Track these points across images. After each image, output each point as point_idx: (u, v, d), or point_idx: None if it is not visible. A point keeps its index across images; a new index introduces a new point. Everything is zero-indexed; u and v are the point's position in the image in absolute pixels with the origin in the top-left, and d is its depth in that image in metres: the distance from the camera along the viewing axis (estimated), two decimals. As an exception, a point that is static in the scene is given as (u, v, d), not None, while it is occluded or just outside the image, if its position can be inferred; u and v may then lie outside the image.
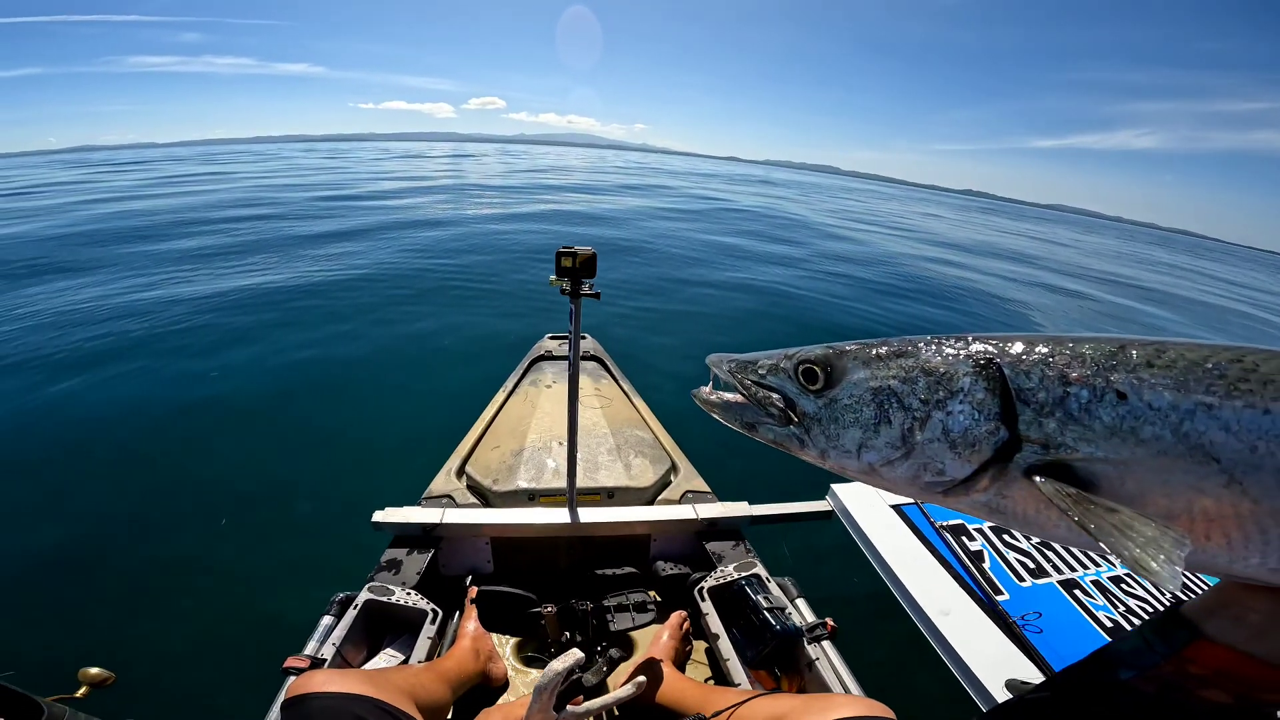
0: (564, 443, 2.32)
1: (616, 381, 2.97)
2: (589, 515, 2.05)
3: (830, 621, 1.74)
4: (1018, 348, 0.50)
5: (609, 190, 26.06)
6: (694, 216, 18.21)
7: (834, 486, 2.01)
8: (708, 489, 2.28)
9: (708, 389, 0.66)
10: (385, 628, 1.83)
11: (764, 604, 1.80)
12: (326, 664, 1.57)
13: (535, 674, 1.80)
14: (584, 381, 2.86)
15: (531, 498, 2.19)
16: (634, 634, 1.95)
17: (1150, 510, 0.42)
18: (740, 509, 2.13)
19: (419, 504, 2.15)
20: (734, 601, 1.87)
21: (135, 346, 5.34)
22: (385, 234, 11.36)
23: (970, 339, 0.53)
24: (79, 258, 8.94)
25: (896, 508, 1.93)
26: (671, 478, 2.33)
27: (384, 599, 1.79)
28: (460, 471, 2.35)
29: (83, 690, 1.04)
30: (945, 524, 1.84)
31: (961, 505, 0.52)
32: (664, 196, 25.40)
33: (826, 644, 1.69)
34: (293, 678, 1.51)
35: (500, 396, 2.82)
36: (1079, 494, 0.42)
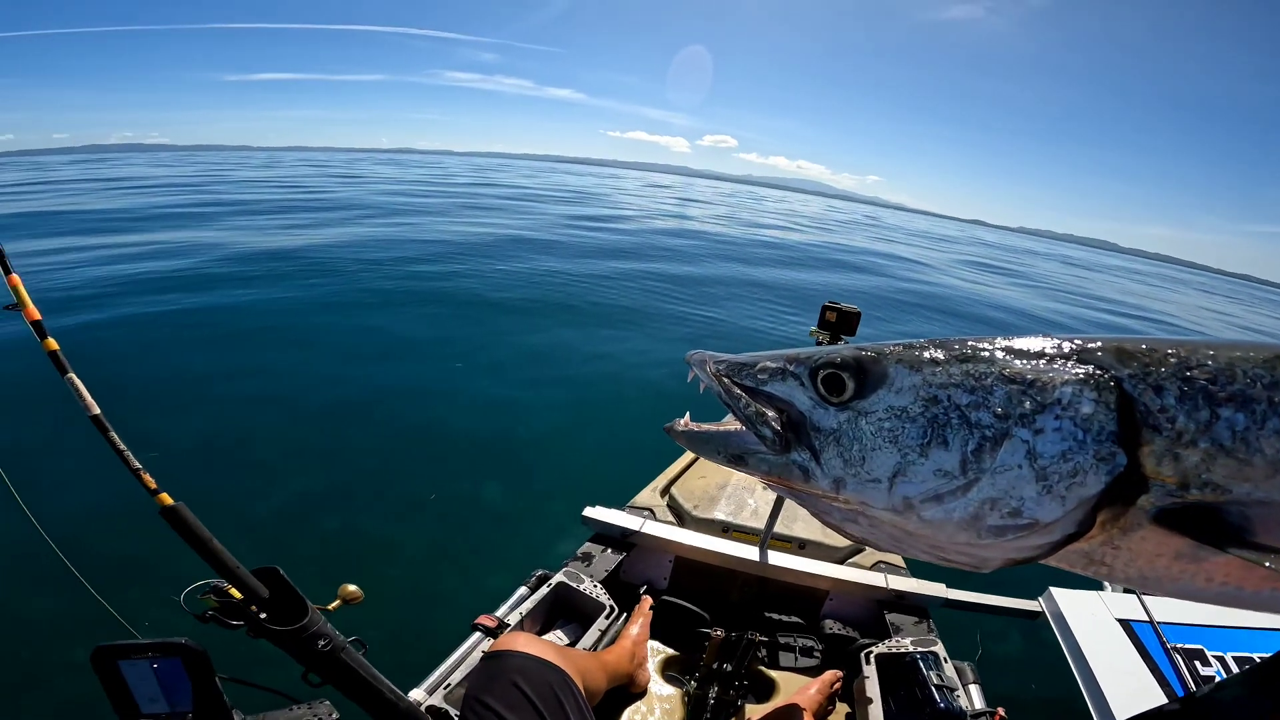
0: (768, 487, 2.35)
1: None
2: (777, 559, 2.07)
3: (1001, 711, 1.58)
4: (1143, 353, 0.35)
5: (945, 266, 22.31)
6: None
7: (1053, 590, 1.82)
8: (902, 564, 2.22)
9: (682, 421, 0.52)
10: (561, 610, 1.97)
11: (934, 680, 1.71)
12: (509, 629, 1.71)
13: (671, 692, 1.85)
14: None
15: (725, 530, 2.26)
16: (780, 681, 1.92)
17: None
18: (935, 589, 2.06)
19: (624, 510, 2.31)
20: (900, 673, 1.81)
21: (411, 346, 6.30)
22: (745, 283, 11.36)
23: (1068, 340, 0.38)
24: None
25: (1124, 622, 1.70)
26: (867, 546, 2.23)
27: (574, 585, 1.94)
28: (665, 490, 2.50)
29: (335, 603, 1.18)
30: (1181, 647, 1.58)
31: (1040, 554, 0.36)
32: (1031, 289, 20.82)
33: None
34: (479, 633, 1.69)
35: None
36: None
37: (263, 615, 1.01)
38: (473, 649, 1.66)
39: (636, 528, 2.15)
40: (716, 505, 2.36)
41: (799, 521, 2.29)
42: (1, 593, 2.68)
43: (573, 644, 1.83)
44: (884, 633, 1.99)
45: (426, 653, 1.66)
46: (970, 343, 0.42)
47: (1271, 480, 0.31)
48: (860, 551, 2.26)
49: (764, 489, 2.45)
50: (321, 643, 1.07)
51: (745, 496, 2.43)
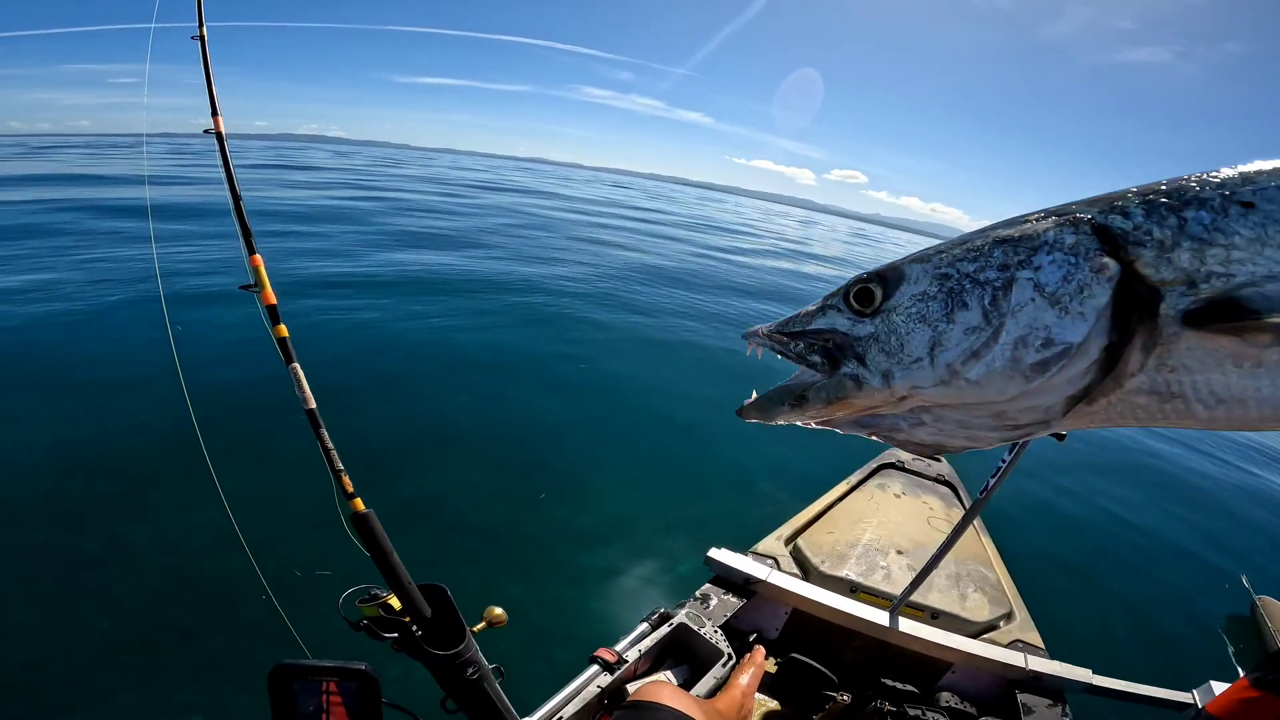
0: (902, 551, 2.37)
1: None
2: (907, 626, 1.99)
3: None
4: (1103, 197, 0.41)
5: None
6: None
7: (1214, 683, 1.80)
8: (1041, 645, 2.12)
9: (748, 401, 0.54)
10: (674, 651, 1.88)
11: None
12: (626, 666, 1.65)
13: None
14: (934, 504, 2.81)
15: (853, 590, 2.19)
16: None
17: None
18: (1079, 673, 1.95)
19: (747, 555, 2.23)
20: None
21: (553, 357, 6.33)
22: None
23: (1041, 210, 0.43)
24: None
25: None
26: (1002, 623, 2.20)
27: (695, 627, 1.86)
28: (790, 540, 2.42)
29: (480, 625, 1.11)
30: None
31: (1117, 406, 0.38)
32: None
33: None
34: (596, 666, 1.61)
35: (842, 488, 2.83)
36: None
37: (417, 632, 0.95)
38: (589, 682, 1.57)
39: (762, 576, 2.09)
40: (846, 564, 2.27)
41: (934, 591, 2.20)
42: (170, 565, 2.85)
43: (682, 686, 1.72)
44: (1012, 713, 1.90)
45: (533, 673, 1.58)
46: (970, 233, 0.46)
47: (1264, 254, 0.35)
48: (995, 628, 2.16)
49: (897, 553, 2.36)
50: (470, 670, 1.00)
51: (878, 559, 2.33)
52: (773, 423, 0.52)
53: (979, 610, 2.19)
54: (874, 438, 0.49)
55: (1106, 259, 0.37)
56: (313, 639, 1.33)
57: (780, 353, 0.51)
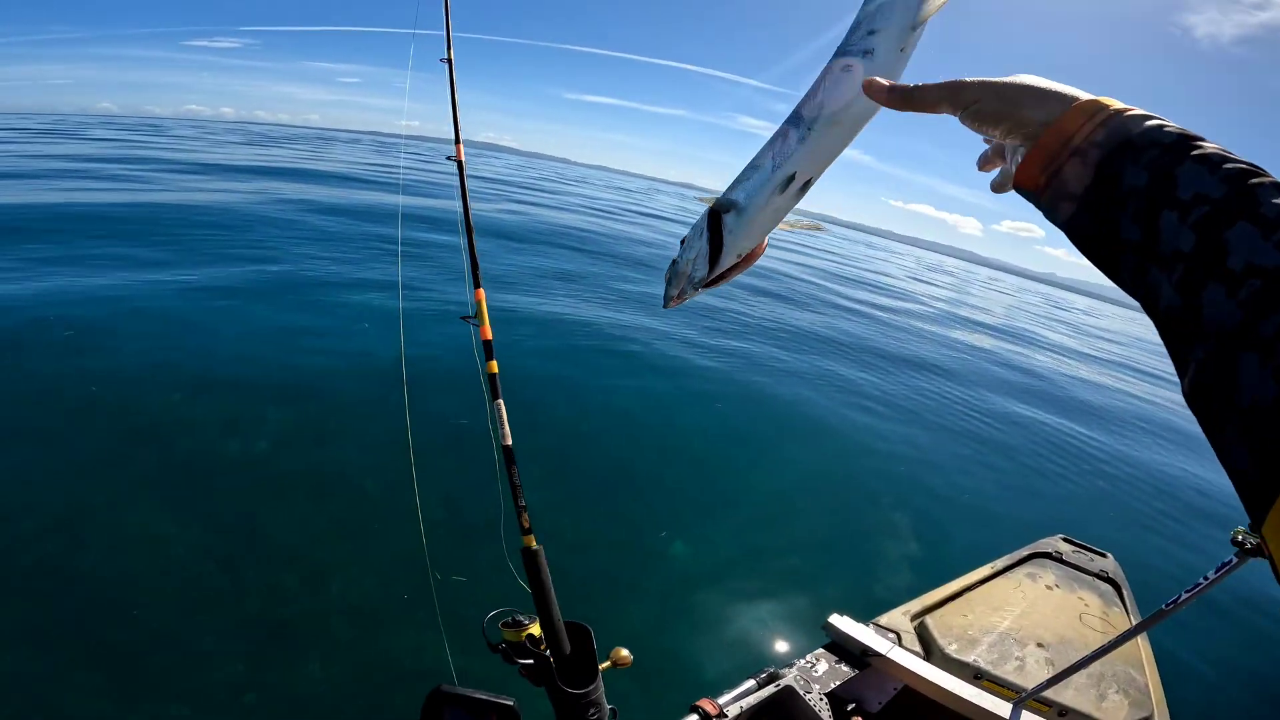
0: (1044, 645, 2.25)
1: (1128, 615, 2.64)
2: None
3: None
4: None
5: None
6: None
7: None
8: None
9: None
10: (772, 711, 1.83)
11: None
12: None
13: None
14: (1091, 601, 2.59)
15: (977, 676, 2.07)
16: None
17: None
18: None
19: (868, 626, 2.15)
20: None
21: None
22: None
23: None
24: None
25: None
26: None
27: (801, 692, 1.83)
28: (917, 617, 2.31)
29: (605, 665, 1.10)
30: None
31: (744, 227, 0.67)
32: None
33: None
34: (696, 716, 1.61)
35: (986, 570, 2.66)
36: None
37: (554, 665, 0.97)
38: None
39: (882, 650, 2.01)
40: (975, 649, 2.16)
41: (1071, 689, 2.04)
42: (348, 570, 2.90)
43: None
44: None
45: (630, 709, 1.55)
46: None
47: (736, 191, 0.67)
48: None
49: (1038, 646, 2.25)
50: (593, 711, 0.99)
51: (1013, 649, 2.19)
52: (679, 294, 0.74)
53: (1115, 712, 2.06)
54: (695, 288, 0.72)
55: (705, 242, 0.68)
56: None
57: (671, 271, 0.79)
